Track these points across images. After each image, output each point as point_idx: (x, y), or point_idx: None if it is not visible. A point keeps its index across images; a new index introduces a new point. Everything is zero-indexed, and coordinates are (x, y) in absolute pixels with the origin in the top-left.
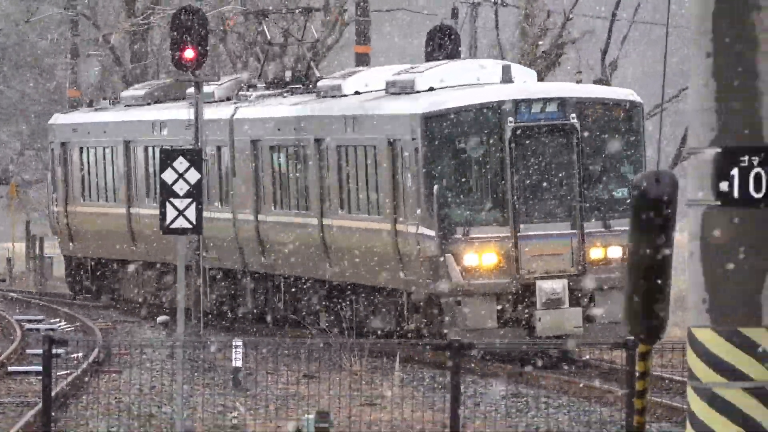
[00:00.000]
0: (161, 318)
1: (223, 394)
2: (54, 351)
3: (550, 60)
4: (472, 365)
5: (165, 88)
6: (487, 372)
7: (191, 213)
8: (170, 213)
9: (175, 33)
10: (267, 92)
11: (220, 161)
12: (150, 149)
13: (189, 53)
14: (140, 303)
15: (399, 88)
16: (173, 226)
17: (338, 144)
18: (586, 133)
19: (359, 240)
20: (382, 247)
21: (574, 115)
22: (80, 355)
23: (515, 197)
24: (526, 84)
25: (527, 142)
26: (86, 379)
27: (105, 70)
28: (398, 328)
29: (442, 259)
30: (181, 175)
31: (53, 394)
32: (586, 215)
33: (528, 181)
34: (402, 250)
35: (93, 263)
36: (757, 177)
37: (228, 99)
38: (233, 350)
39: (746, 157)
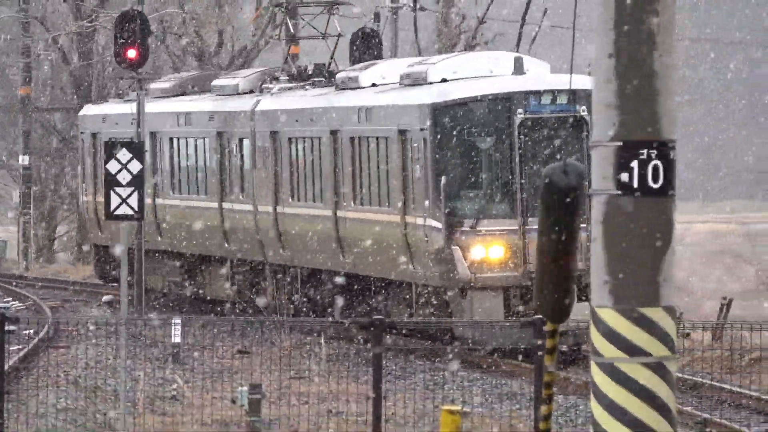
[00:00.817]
0: (106, 297)
1: (163, 368)
2: (7, 328)
3: None
4: (391, 342)
5: (191, 80)
6: (408, 348)
7: (134, 201)
8: (114, 200)
9: (119, 34)
10: (289, 85)
11: (242, 153)
12: (175, 141)
13: (131, 53)
14: (164, 293)
15: (412, 80)
16: (117, 212)
17: (351, 135)
18: None
19: (371, 232)
20: (393, 239)
21: (584, 107)
22: (31, 331)
23: (524, 190)
24: (536, 75)
25: (536, 134)
26: (37, 354)
27: (54, 68)
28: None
29: (448, 251)
30: (124, 166)
31: (6, 368)
32: None
33: (537, 173)
34: (411, 243)
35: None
36: (655, 168)
37: (251, 91)
38: (173, 327)
39: (645, 151)
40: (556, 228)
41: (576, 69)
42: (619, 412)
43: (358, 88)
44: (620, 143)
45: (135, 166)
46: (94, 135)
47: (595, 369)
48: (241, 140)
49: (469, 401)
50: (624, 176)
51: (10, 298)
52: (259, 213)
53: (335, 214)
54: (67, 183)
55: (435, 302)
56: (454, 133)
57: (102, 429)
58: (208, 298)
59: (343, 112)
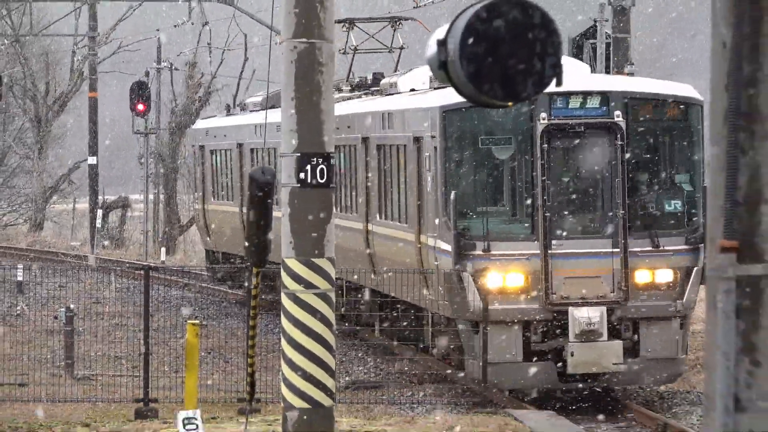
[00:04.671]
0: None
1: (11, 296)
2: None
3: (202, 101)
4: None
5: (277, 94)
6: (171, 284)
7: None
8: None
9: None
10: (348, 94)
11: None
12: (254, 151)
13: None
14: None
15: (440, 82)
16: None
17: (378, 143)
18: (633, 134)
19: (393, 249)
20: (409, 259)
21: (619, 112)
22: None
23: (547, 208)
24: (567, 76)
25: (563, 142)
26: None
27: None
28: (426, 347)
29: (458, 279)
30: None
31: None
32: (630, 231)
33: (562, 189)
34: (425, 266)
35: (223, 257)
36: (321, 170)
37: None
38: (17, 270)
39: (315, 159)
40: (257, 208)
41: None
42: (298, 324)
43: (397, 93)
44: (299, 154)
45: None
46: (201, 147)
47: (284, 297)
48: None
49: (206, 317)
50: (302, 175)
51: None
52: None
53: (366, 227)
54: None
55: (448, 334)
56: (468, 140)
57: None
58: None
59: (371, 117)
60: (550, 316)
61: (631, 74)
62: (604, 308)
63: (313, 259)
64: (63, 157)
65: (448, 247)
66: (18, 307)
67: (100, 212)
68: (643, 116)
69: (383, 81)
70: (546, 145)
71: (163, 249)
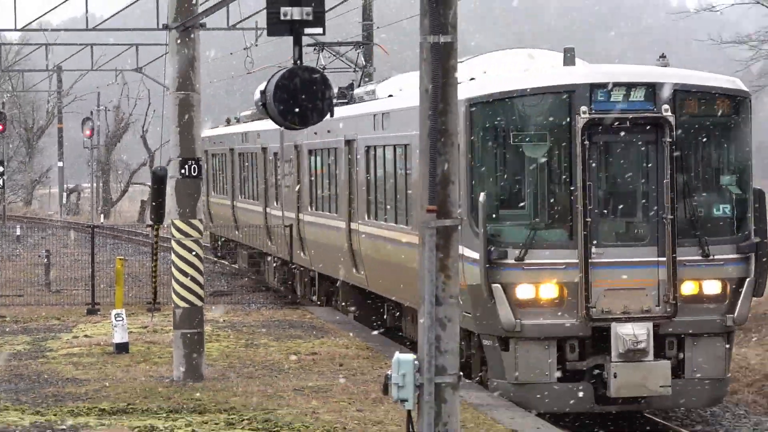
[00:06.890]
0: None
1: (13, 244)
2: None
3: (123, 129)
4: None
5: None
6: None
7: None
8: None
9: None
10: None
11: (276, 165)
12: (242, 155)
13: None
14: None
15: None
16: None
17: (367, 144)
18: (681, 130)
19: (387, 249)
20: (413, 263)
21: (667, 106)
22: None
23: (587, 211)
24: (604, 65)
25: (604, 138)
26: None
27: None
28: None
29: (487, 290)
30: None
31: None
32: (679, 238)
33: (604, 191)
34: None
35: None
36: (194, 168)
37: None
38: (16, 228)
39: (190, 161)
40: (157, 190)
41: None
42: (181, 257)
43: (375, 99)
44: (181, 158)
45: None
46: (206, 151)
47: (173, 242)
48: (275, 154)
49: (129, 256)
50: (183, 171)
51: None
52: (286, 219)
53: (349, 226)
54: None
55: (470, 350)
56: (498, 136)
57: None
58: (267, 281)
59: (359, 120)
60: (589, 332)
61: (665, 65)
62: (650, 324)
63: (189, 219)
64: (42, 162)
65: (474, 255)
66: (17, 250)
67: (64, 194)
68: (693, 110)
69: (356, 90)
70: (587, 141)
71: (102, 215)
